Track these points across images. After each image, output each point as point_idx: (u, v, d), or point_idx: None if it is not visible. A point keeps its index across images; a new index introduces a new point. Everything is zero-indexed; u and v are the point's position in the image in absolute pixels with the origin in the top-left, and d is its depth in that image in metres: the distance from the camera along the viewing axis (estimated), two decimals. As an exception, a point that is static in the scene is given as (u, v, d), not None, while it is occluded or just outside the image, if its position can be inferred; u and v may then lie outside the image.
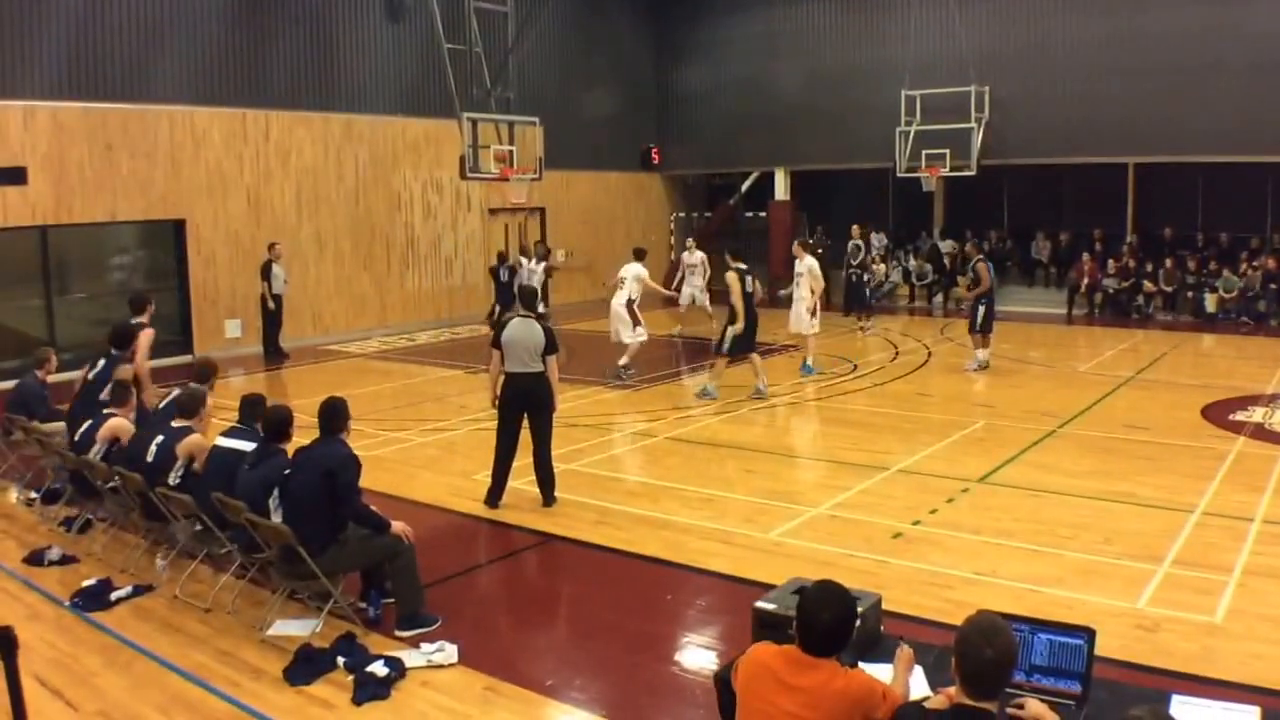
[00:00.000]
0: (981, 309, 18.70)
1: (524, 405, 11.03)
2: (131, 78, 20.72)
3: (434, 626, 7.96)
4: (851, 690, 4.46)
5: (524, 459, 11.20)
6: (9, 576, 9.41)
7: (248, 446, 8.67)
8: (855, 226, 27.15)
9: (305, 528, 7.76)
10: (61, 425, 11.69)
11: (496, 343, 11.01)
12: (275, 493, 8.03)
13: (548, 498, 11.23)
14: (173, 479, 9.02)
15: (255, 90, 22.88)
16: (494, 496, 11.23)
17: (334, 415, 8.22)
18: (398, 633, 7.91)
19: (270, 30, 23.16)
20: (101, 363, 11.36)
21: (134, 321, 11.95)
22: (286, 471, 8.08)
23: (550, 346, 10.88)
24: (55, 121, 19.56)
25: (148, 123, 20.98)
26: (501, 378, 11.03)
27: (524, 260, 24.40)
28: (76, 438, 10.38)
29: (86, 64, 20.06)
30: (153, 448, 9.21)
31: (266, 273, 21.79)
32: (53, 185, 19.56)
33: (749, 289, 16.11)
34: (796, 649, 4.57)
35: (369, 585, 8.36)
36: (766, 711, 4.53)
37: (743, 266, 16.35)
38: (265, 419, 8.57)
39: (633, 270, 19.18)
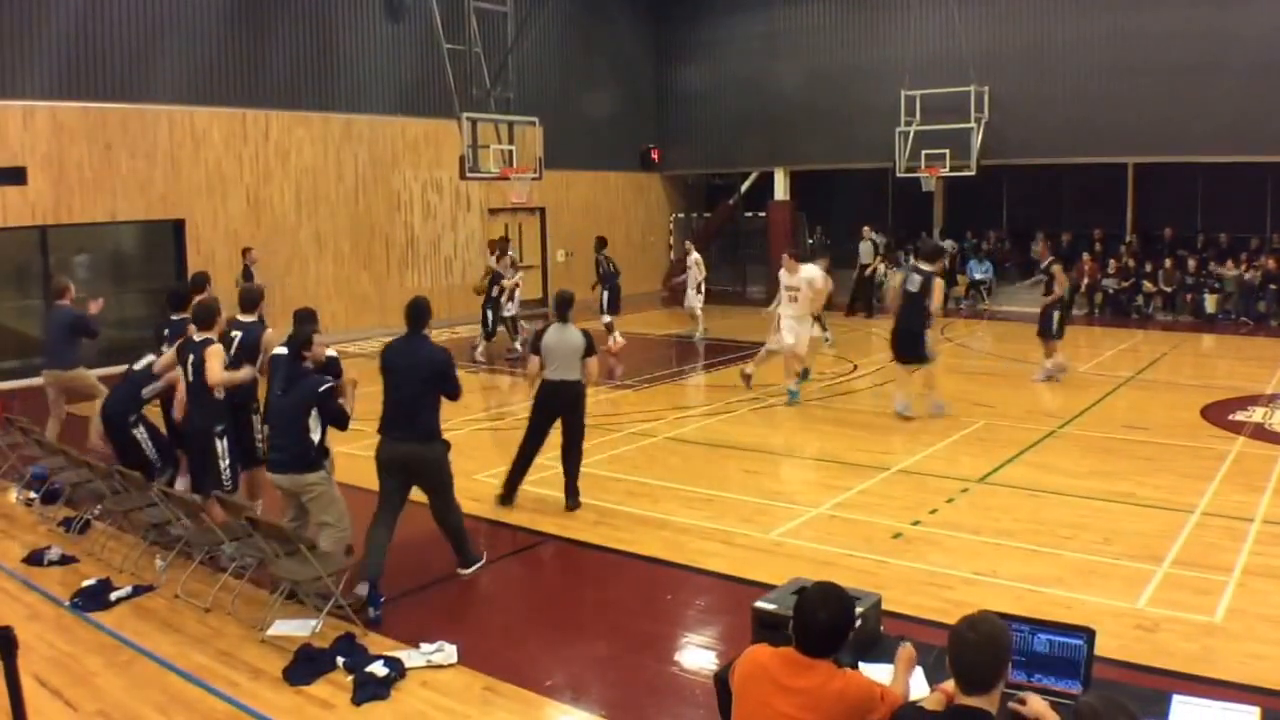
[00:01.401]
0: (1057, 314, 17.46)
1: (558, 408, 10.96)
2: (131, 77, 20.71)
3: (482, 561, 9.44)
4: (849, 692, 4.45)
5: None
6: (9, 576, 9.41)
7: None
8: (866, 227, 27.82)
9: (421, 419, 8.94)
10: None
11: (536, 348, 11.01)
12: (315, 412, 8.42)
13: (572, 501, 11.16)
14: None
15: (255, 90, 22.88)
16: (508, 495, 11.25)
17: (421, 312, 9.31)
18: (461, 570, 9.32)
19: (270, 30, 23.16)
20: (166, 332, 11.33)
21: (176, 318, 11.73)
22: (322, 389, 8.47)
23: (590, 349, 10.83)
24: (55, 121, 19.55)
25: (147, 122, 20.97)
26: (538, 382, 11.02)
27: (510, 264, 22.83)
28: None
29: (86, 64, 20.06)
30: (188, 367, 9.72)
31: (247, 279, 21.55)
32: (52, 185, 19.56)
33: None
34: (793, 650, 4.56)
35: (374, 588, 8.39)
36: (763, 714, 4.52)
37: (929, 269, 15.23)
38: (291, 339, 8.86)
39: (805, 273, 16.48)
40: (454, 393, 9.22)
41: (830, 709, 4.41)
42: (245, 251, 20.96)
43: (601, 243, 23.12)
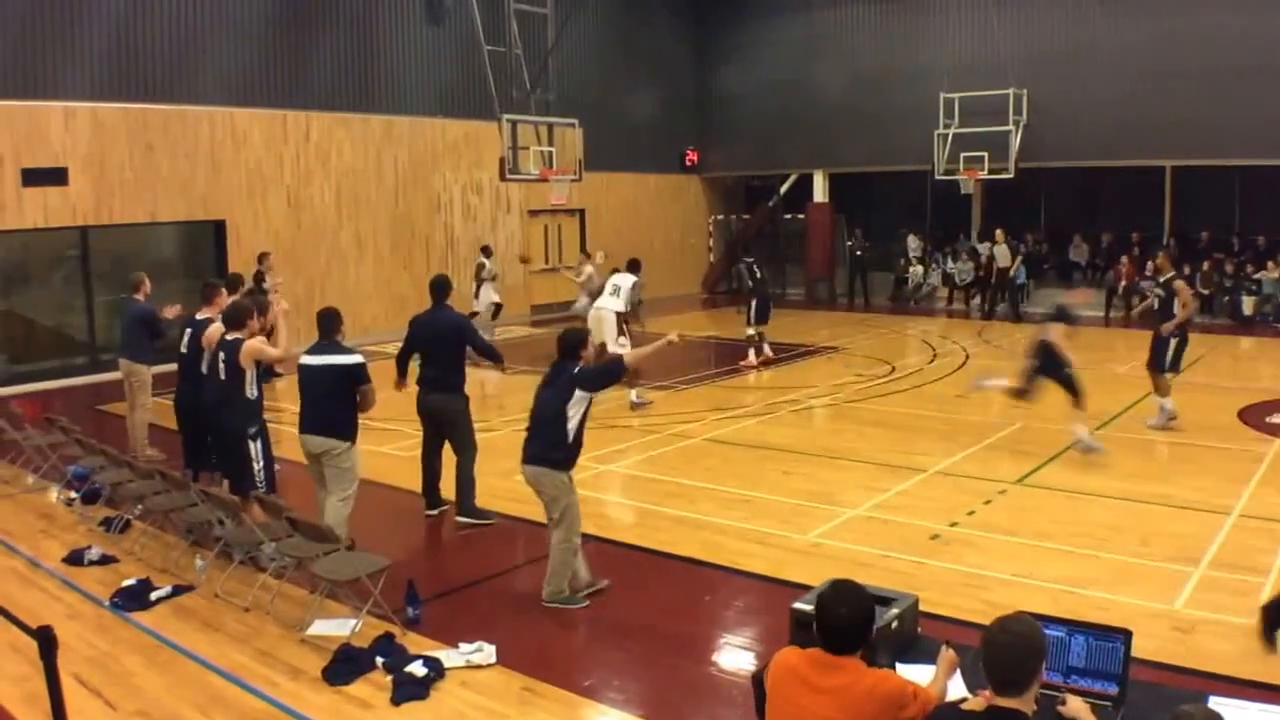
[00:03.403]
0: (1174, 341, 14.18)
1: None
2: (172, 78, 20.87)
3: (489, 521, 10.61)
4: (880, 690, 4.44)
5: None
6: (49, 576, 9.50)
7: (329, 359, 9.52)
8: (998, 230, 28.38)
9: (449, 376, 10.87)
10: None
11: None
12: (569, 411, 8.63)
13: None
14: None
15: (295, 91, 23.03)
16: None
17: (443, 288, 11.33)
18: (457, 518, 10.69)
19: (311, 32, 23.33)
20: (189, 330, 11.41)
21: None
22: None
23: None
24: (96, 122, 19.72)
25: (188, 123, 21.12)
26: None
27: (486, 263, 23.08)
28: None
29: (127, 64, 20.24)
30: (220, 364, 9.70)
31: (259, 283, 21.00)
32: (93, 186, 19.71)
33: None
34: (821, 651, 4.57)
35: (411, 589, 8.41)
36: (795, 715, 4.52)
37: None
38: (563, 341, 8.85)
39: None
40: (482, 348, 11.30)
41: (862, 706, 4.40)
42: (263, 257, 19.95)
43: (745, 249, 22.41)
